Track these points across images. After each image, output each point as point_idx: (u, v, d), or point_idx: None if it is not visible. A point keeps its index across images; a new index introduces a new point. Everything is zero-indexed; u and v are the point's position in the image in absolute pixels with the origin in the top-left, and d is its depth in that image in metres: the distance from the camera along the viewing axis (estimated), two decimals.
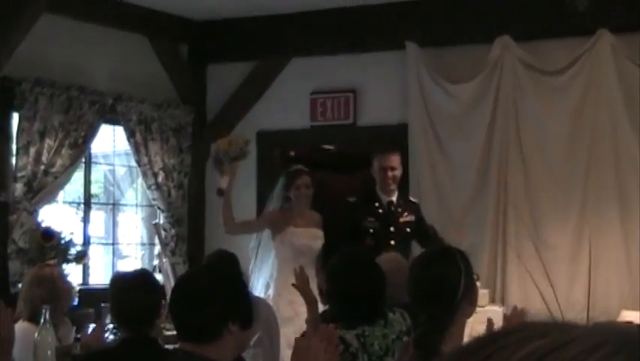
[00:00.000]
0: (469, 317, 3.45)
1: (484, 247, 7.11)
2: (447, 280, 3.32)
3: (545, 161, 7.08)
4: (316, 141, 8.45)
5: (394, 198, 6.81)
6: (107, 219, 8.03)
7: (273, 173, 8.32)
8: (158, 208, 7.84)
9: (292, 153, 9.18)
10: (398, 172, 6.76)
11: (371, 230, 6.67)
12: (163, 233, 7.82)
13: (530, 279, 6.77)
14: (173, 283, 7.17)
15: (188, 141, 8.03)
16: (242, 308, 3.05)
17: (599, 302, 6.70)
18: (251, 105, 8.19)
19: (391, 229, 6.70)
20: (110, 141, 7.90)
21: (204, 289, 3.06)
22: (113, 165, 8.02)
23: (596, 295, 6.72)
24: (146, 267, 7.93)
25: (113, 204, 8.02)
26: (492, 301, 6.92)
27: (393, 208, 6.79)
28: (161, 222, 7.86)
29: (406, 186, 7.56)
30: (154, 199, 7.82)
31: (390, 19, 7.52)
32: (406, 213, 6.79)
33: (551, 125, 7.06)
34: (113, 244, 8.01)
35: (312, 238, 6.74)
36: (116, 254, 8.04)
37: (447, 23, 7.36)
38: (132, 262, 8.08)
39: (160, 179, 7.78)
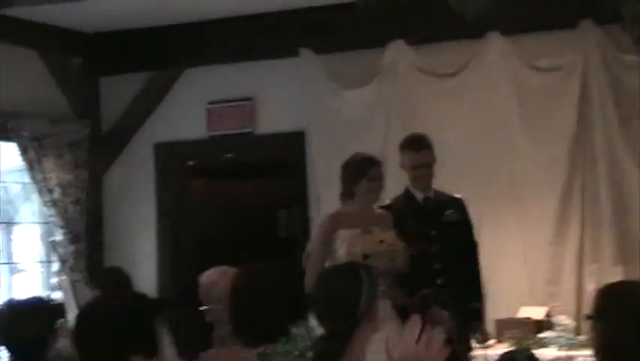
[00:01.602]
0: (372, 334, 3.41)
1: None
2: (346, 295, 3.29)
3: (442, 164, 7.14)
4: (215, 151, 8.40)
5: (432, 195, 6.03)
6: (3, 237, 7.85)
7: (171, 185, 8.26)
8: (55, 225, 7.70)
9: (191, 163, 9.12)
10: (433, 168, 5.99)
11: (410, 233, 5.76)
12: (61, 250, 7.69)
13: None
14: (73, 301, 7.08)
15: (83, 155, 7.89)
16: (145, 338, 3.01)
17: (499, 299, 6.79)
18: (147, 117, 8.11)
19: (432, 232, 5.91)
20: (3, 158, 7.72)
21: (102, 322, 3.01)
22: (5, 182, 7.85)
23: (496, 293, 6.81)
24: (45, 284, 7.80)
25: (8, 222, 7.84)
26: None
27: (432, 207, 5.99)
28: (59, 238, 7.72)
29: (305, 193, 7.58)
30: (50, 216, 7.67)
31: (285, 26, 7.52)
32: (449, 211, 6.01)
33: (446, 128, 7.14)
34: (8, 263, 7.84)
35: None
36: (13, 272, 7.87)
37: (340, 29, 7.38)
38: (30, 279, 7.91)
39: (56, 195, 7.64)
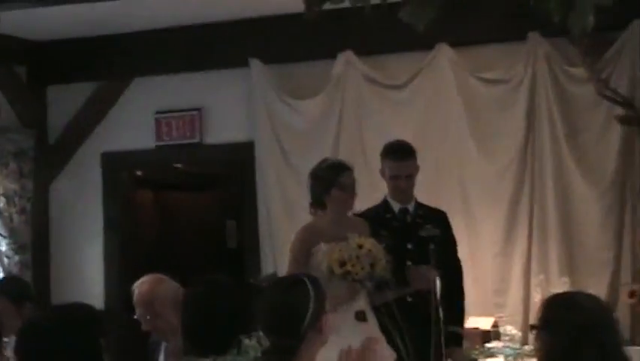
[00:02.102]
0: (320, 347, 3.35)
1: None
2: (292, 307, 3.25)
3: None
4: (162, 161, 8.35)
5: (411, 207, 5.72)
6: None
7: (119, 195, 8.19)
8: (0, 235, 7.60)
9: (139, 173, 9.06)
10: (414, 179, 5.70)
11: (383, 245, 5.26)
12: (6, 261, 7.58)
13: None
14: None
15: (29, 165, 7.80)
16: (88, 353, 2.97)
17: None
18: (94, 127, 8.04)
19: (408, 245, 5.58)
20: None
21: (44, 339, 2.97)
22: None
23: None
24: None
25: None
26: None
27: (409, 219, 5.70)
28: (4, 249, 7.62)
29: (254, 204, 7.56)
30: None
31: (234, 36, 7.50)
32: (428, 225, 5.66)
33: (393, 137, 7.15)
34: None
35: None
36: None
37: (290, 40, 7.38)
38: None
39: (1, 204, 7.55)
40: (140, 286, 4.76)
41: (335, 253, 4.96)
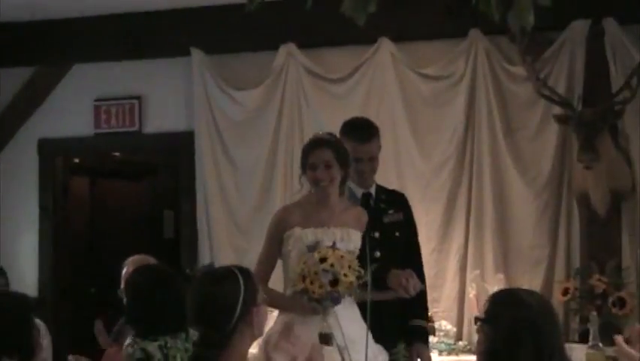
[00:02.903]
0: (252, 340, 3.35)
1: None
2: (221, 299, 3.21)
3: None
4: (101, 149, 8.27)
5: (372, 190, 5.16)
6: None
7: (55, 182, 8.11)
8: None
9: (76, 161, 8.97)
10: (376, 161, 5.15)
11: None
12: None
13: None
14: None
15: None
16: (17, 343, 2.94)
17: None
18: (31, 112, 7.94)
19: (375, 234, 4.97)
20: None
21: None
22: None
23: None
24: None
25: None
26: None
27: (372, 203, 5.11)
28: None
29: (192, 194, 7.53)
30: None
31: (176, 25, 7.46)
32: (391, 210, 5.14)
33: (332, 131, 7.16)
34: None
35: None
36: None
37: (232, 30, 7.35)
38: None
39: None
40: (128, 265, 5.20)
41: (299, 266, 4.33)
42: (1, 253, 7.82)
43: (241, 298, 3.21)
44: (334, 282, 4.24)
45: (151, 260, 5.19)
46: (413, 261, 5.07)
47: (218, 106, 7.46)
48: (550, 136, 6.80)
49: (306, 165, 4.60)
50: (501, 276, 6.71)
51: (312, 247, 4.38)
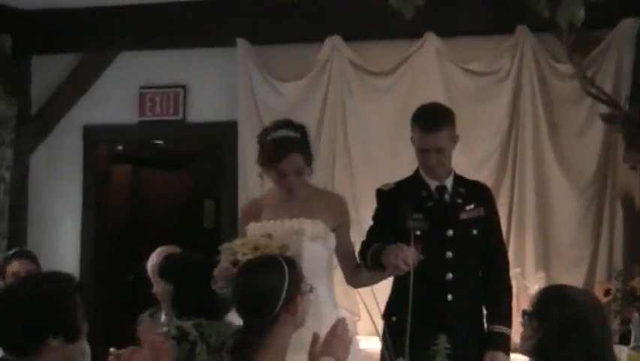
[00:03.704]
0: (294, 330, 3.36)
1: None
2: (266, 288, 3.23)
3: (370, 161, 7.18)
4: (144, 137, 8.32)
5: (449, 183, 4.68)
6: None
7: (98, 169, 8.17)
8: None
9: (120, 148, 9.03)
10: (447, 152, 4.63)
11: (417, 232, 4.35)
12: None
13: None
14: None
15: (10, 134, 7.78)
16: (63, 323, 2.97)
17: None
18: (77, 99, 8.00)
19: (449, 232, 4.55)
20: None
21: (20, 303, 2.97)
22: None
23: None
24: None
25: None
26: None
27: (447, 197, 4.64)
28: None
29: (233, 184, 7.55)
30: None
31: (222, 15, 7.48)
32: (470, 206, 4.63)
33: (377, 126, 7.17)
34: None
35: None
36: None
37: (278, 21, 7.36)
38: None
39: None
40: (157, 255, 5.34)
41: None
42: (44, 239, 7.89)
43: (285, 287, 3.23)
44: (234, 263, 4.04)
45: (177, 251, 5.30)
46: (495, 262, 4.65)
47: (261, 97, 7.48)
48: (596, 135, 6.75)
49: (272, 167, 4.45)
50: (542, 274, 6.67)
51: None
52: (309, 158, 4.51)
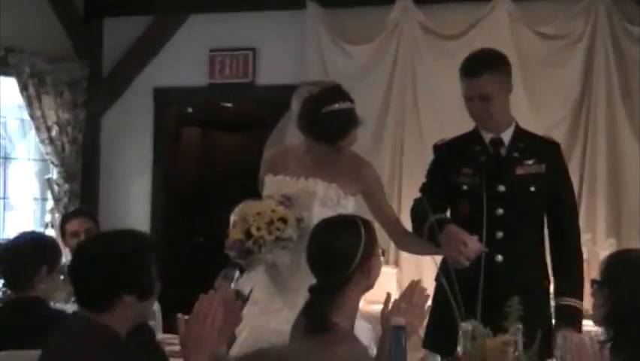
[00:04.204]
0: (365, 291, 3.37)
1: None
2: (342, 247, 3.25)
3: (440, 124, 7.14)
4: (214, 99, 8.37)
5: (506, 136, 4.28)
6: None
7: (168, 131, 8.25)
8: (52, 163, 7.70)
9: (190, 110, 9.10)
10: (496, 101, 4.21)
11: (464, 187, 4.20)
12: (56, 188, 7.69)
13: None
14: None
15: (82, 95, 7.88)
16: (137, 280, 3.01)
17: None
18: (148, 61, 8.06)
19: (500, 187, 4.17)
20: (2, 93, 7.68)
21: (96, 259, 3.02)
22: (4, 117, 7.82)
23: None
24: (38, 222, 7.80)
25: (4, 158, 7.83)
26: (386, 262, 6.97)
27: (504, 152, 4.25)
28: (55, 177, 7.72)
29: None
30: (47, 153, 7.67)
31: None
32: (530, 161, 4.22)
33: (447, 90, 7.11)
34: (3, 198, 7.83)
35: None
36: (6, 208, 7.86)
37: None
38: (23, 216, 7.91)
39: (54, 133, 7.63)
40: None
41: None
42: (115, 199, 8.00)
43: (361, 248, 3.25)
44: (247, 234, 3.90)
45: None
46: (563, 226, 4.25)
47: (331, 60, 7.47)
48: None
49: (327, 142, 4.07)
50: (612, 241, 6.60)
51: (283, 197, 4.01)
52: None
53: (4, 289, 4.95)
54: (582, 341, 3.10)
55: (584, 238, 6.63)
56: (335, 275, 3.24)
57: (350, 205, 4.10)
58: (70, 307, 4.53)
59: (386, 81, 7.30)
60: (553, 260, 4.27)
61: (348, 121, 4.10)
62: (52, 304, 4.44)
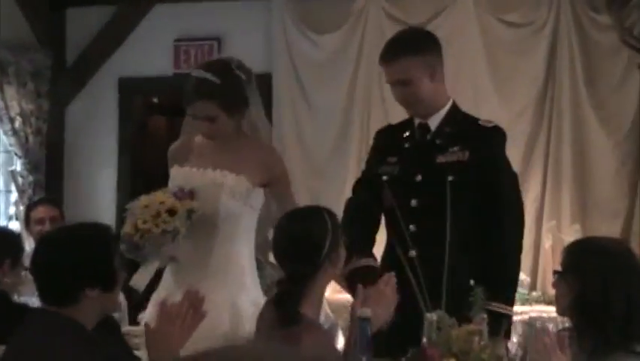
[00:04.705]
0: (329, 280, 3.40)
1: (347, 194, 7.15)
2: (310, 236, 3.25)
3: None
4: (179, 89, 8.27)
5: (434, 122, 3.94)
6: None
7: (134, 120, 8.21)
8: (15, 155, 7.63)
9: (155, 100, 9.05)
10: (418, 85, 3.90)
11: (384, 177, 3.94)
12: (20, 180, 7.62)
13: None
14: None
15: (46, 85, 7.80)
16: (100, 273, 2.99)
17: None
18: (112, 51, 8.00)
19: (418, 177, 3.87)
20: None
21: (56, 253, 3.00)
22: None
23: None
24: (2, 214, 7.74)
25: None
26: None
27: (429, 137, 3.93)
28: (19, 169, 7.65)
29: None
30: (10, 145, 7.60)
31: None
32: (455, 148, 3.84)
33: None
34: None
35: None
36: None
37: None
38: None
39: (17, 124, 7.56)
40: None
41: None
42: (80, 190, 7.95)
43: (329, 237, 3.25)
44: (135, 228, 3.72)
45: None
46: (490, 218, 3.78)
47: (296, 48, 7.46)
48: (634, 86, 6.69)
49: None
50: (577, 227, 6.65)
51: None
52: (233, 107, 3.89)
53: None
54: (545, 328, 3.08)
55: (550, 224, 6.73)
56: (305, 265, 3.24)
57: (260, 197, 3.92)
58: (36, 301, 4.50)
59: (352, 68, 7.30)
60: (475, 257, 3.77)
61: (196, 89, 3.90)
62: (16, 297, 4.40)
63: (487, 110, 6.98)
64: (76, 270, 2.96)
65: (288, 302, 3.20)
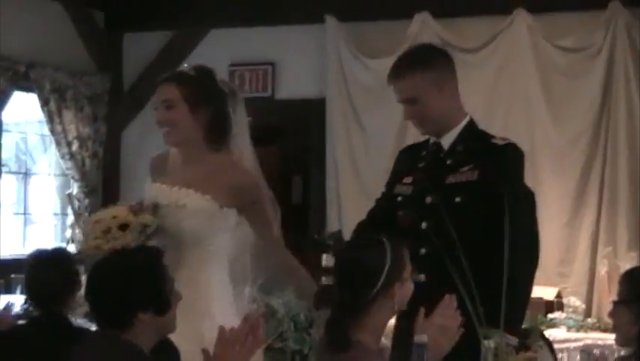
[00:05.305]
0: (393, 314, 3.26)
1: None
2: (366, 266, 3.15)
3: None
4: None
5: (447, 140, 3.76)
6: (19, 188, 7.88)
7: None
8: (72, 178, 7.73)
9: None
10: (426, 102, 3.74)
11: (399, 198, 3.81)
12: (77, 203, 7.71)
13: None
14: None
15: (103, 109, 7.91)
16: (152, 297, 3.01)
17: None
18: None
19: (428, 198, 3.69)
20: (23, 108, 7.73)
21: (107, 278, 3.03)
22: (25, 132, 7.87)
23: None
24: (59, 237, 7.83)
25: (25, 173, 7.87)
26: None
27: (442, 156, 3.75)
28: (75, 192, 7.74)
29: (322, 160, 7.57)
30: (68, 168, 7.70)
31: None
32: (464, 168, 3.65)
33: (466, 103, 7.08)
34: (24, 213, 7.87)
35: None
36: (27, 223, 7.90)
37: None
38: (44, 231, 7.94)
39: (74, 148, 7.66)
40: None
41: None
42: None
43: (386, 269, 3.14)
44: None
45: None
46: (496, 245, 3.18)
47: (350, 73, 7.49)
48: None
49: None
50: (634, 254, 6.57)
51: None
52: (197, 101, 3.80)
53: (26, 305, 4.96)
54: (604, 356, 3.01)
55: (605, 250, 6.66)
56: (358, 294, 3.18)
57: (230, 218, 3.73)
58: (83, 323, 4.55)
59: None
60: (482, 283, 3.12)
61: (167, 75, 3.91)
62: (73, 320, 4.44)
63: (542, 134, 6.97)
64: (127, 295, 2.99)
65: (336, 328, 3.14)
